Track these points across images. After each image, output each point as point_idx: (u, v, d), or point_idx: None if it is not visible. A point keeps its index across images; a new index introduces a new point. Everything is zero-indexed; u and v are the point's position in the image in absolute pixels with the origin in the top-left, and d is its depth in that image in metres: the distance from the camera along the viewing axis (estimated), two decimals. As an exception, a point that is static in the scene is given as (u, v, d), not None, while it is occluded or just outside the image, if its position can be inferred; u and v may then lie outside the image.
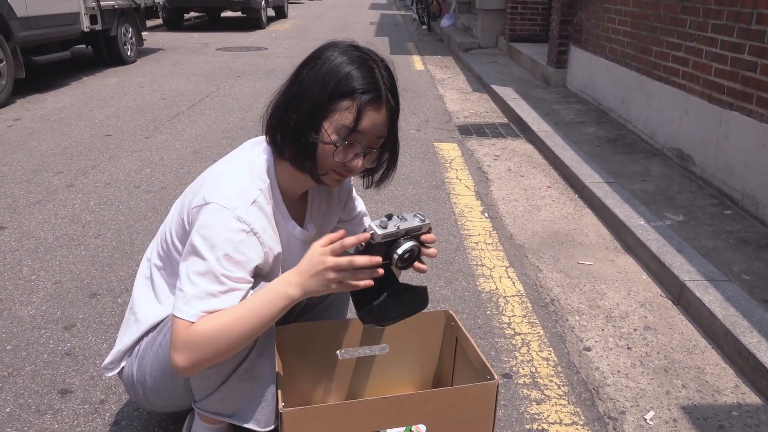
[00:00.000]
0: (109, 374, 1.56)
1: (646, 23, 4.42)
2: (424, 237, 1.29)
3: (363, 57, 1.31)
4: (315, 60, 1.31)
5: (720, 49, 3.44)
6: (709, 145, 3.53)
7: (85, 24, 6.72)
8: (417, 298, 1.42)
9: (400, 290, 1.36)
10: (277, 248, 1.39)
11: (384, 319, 1.38)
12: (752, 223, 3.00)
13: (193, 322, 1.22)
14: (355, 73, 1.27)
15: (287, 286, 1.24)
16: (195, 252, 1.25)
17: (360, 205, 1.70)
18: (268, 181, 1.36)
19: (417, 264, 1.30)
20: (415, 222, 1.25)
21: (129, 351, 1.51)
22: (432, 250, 1.30)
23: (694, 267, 2.55)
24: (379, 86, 1.29)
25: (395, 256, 1.24)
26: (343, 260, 1.19)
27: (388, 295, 1.32)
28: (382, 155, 1.38)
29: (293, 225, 1.44)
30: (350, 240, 1.21)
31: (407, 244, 1.24)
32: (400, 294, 1.36)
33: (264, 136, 1.40)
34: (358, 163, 1.32)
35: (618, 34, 4.95)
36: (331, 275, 1.20)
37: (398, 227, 1.22)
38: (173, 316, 1.24)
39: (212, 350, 1.22)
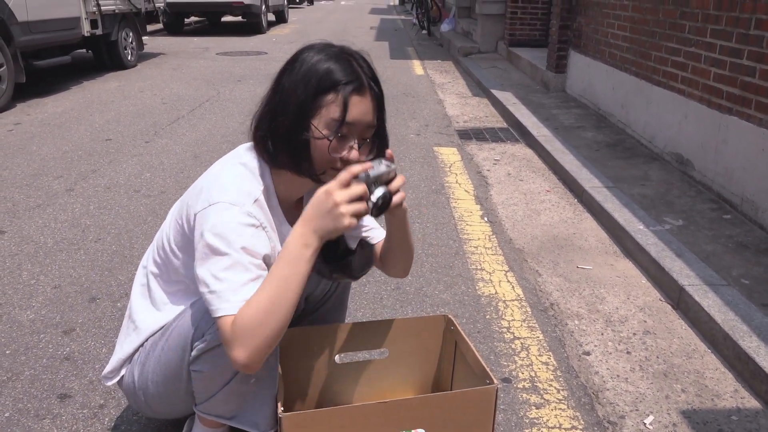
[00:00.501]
0: (109, 383, 1.56)
1: (646, 28, 4.43)
2: (393, 183, 1.30)
3: (339, 52, 1.33)
4: (292, 64, 1.33)
5: (719, 54, 3.45)
6: (708, 149, 3.53)
7: (86, 28, 6.73)
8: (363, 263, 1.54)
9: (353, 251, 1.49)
10: (279, 246, 1.40)
11: (331, 272, 1.52)
12: (751, 228, 3.01)
13: (235, 315, 1.20)
14: (334, 67, 1.29)
15: (301, 239, 1.22)
16: (214, 251, 1.24)
17: None
18: (263, 185, 1.37)
19: (394, 202, 1.30)
20: (382, 168, 1.27)
21: (129, 359, 1.51)
22: (400, 195, 1.30)
23: (693, 271, 2.56)
24: (360, 76, 1.30)
25: (370, 204, 1.24)
26: (351, 189, 1.20)
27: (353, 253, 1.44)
28: (375, 144, 1.39)
29: (288, 228, 1.44)
30: (356, 167, 1.22)
31: (379, 191, 1.25)
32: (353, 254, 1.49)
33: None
34: (354, 154, 1.32)
35: (617, 39, 4.96)
36: (344, 209, 1.19)
37: (367, 174, 1.24)
38: (216, 318, 1.22)
39: (263, 331, 1.19)
